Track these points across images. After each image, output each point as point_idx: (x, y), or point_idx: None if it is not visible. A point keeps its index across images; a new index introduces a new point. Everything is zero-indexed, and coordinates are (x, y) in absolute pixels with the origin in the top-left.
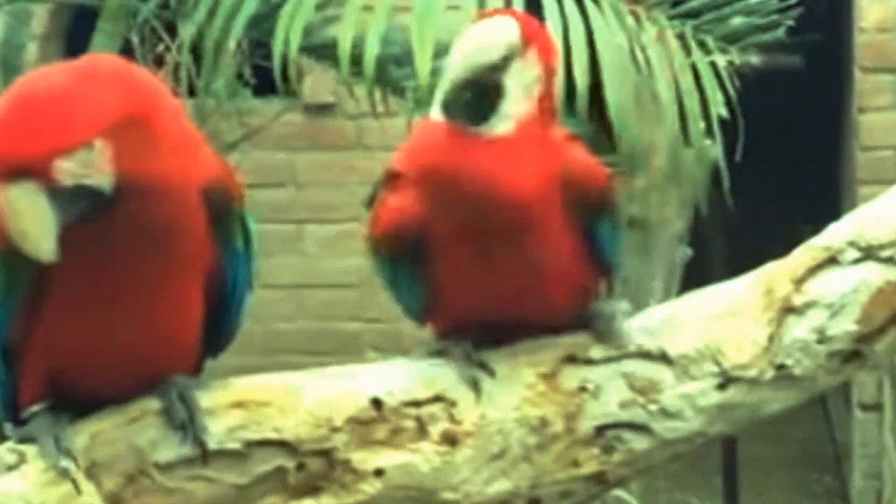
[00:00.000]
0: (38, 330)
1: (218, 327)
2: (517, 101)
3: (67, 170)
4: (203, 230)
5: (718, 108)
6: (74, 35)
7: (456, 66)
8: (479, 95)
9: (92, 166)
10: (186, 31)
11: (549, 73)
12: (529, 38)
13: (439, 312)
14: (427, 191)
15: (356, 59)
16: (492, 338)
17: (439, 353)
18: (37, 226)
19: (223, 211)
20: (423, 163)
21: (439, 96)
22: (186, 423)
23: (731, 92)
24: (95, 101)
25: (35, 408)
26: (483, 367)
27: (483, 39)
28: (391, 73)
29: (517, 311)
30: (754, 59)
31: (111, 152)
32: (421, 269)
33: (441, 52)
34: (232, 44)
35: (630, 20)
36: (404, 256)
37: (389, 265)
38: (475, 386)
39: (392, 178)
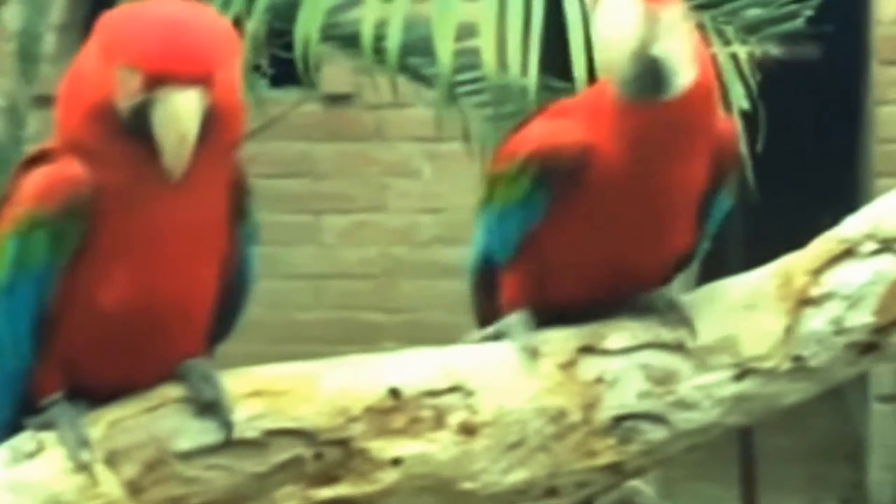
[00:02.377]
0: (73, 303)
1: (227, 312)
2: (683, 57)
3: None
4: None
5: (739, 101)
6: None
7: (616, 46)
8: (650, 68)
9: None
10: None
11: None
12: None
13: (535, 254)
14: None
15: (378, 47)
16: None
17: (495, 337)
18: (187, 136)
19: (245, 188)
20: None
21: (613, 80)
22: (214, 404)
23: (752, 84)
24: (231, 30)
25: (53, 396)
26: (535, 353)
27: (618, 20)
28: (412, 61)
29: (619, 264)
30: (774, 50)
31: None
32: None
33: (462, 36)
34: (252, 32)
35: None
36: (548, 179)
37: (530, 184)
38: (534, 353)
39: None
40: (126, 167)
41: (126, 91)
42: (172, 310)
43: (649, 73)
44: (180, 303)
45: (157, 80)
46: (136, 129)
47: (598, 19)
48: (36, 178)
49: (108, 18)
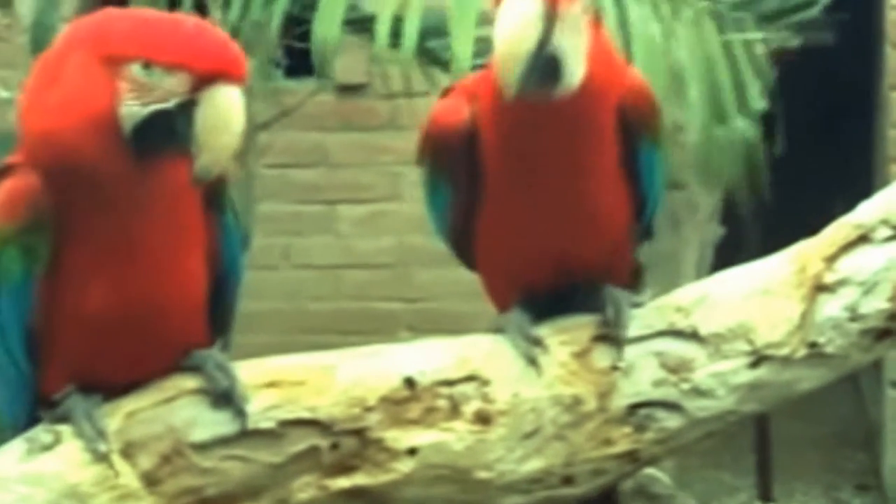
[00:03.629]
0: (61, 309)
1: (220, 302)
2: (577, 54)
3: None
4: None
5: (753, 89)
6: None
7: (506, 51)
8: (541, 68)
9: None
10: (217, 13)
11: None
12: None
13: (483, 244)
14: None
15: (395, 31)
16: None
17: (497, 331)
18: (236, 133)
19: (218, 183)
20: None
21: (503, 77)
22: (229, 393)
23: (769, 73)
24: None
25: (66, 389)
26: (537, 342)
27: (518, 17)
28: (430, 43)
29: (554, 244)
30: (791, 39)
31: None
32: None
33: (482, 22)
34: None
35: (666, 7)
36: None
37: (433, 172)
38: (533, 362)
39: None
40: (111, 175)
41: (151, 93)
42: (161, 308)
43: (542, 73)
44: (168, 299)
45: (210, 79)
46: (142, 137)
47: (498, 15)
48: (0, 195)
49: (92, 25)
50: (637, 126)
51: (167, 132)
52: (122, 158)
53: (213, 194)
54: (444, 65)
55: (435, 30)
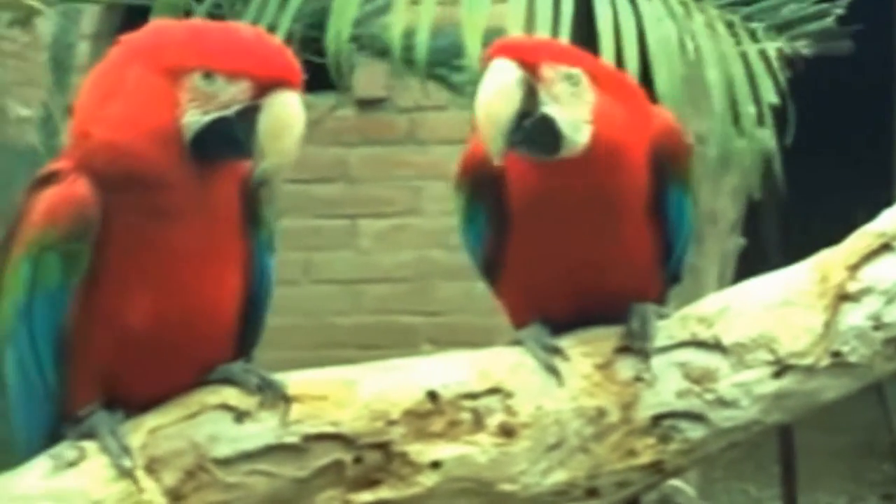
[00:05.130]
0: (93, 322)
1: (250, 318)
2: (574, 114)
3: None
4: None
5: (769, 96)
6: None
7: (484, 121)
8: (530, 133)
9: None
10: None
11: (589, 68)
12: (536, 59)
13: (509, 274)
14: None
15: (408, 52)
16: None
17: (515, 343)
18: (298, 137)
19: (260, 197)
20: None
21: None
22: (262, 384)
23: (782, 80)
24: None
25: (91, 406)
26: (557, 351)
27: (495, 86)
28: (442, 67)
29: (580, 280)
30: (805, 49)
31: None
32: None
33: (491, 39)
34: (283, 38)
35: (679, 10)
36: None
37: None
38: (554, 371)
39: None
40: (168, 182)
41: (213, 102)
42: (198, 322)
43: (534, 137)
44: (205, 314)
45: (271, 86)
46: (202, 144)
47: (481, 85)
48: (45, 200)
49: (149, 37)
50: (667, 168)
51: (227, 138)
52: (181, 166)
53: (253, 208)
54: (456, 89)
55: (446, 54)
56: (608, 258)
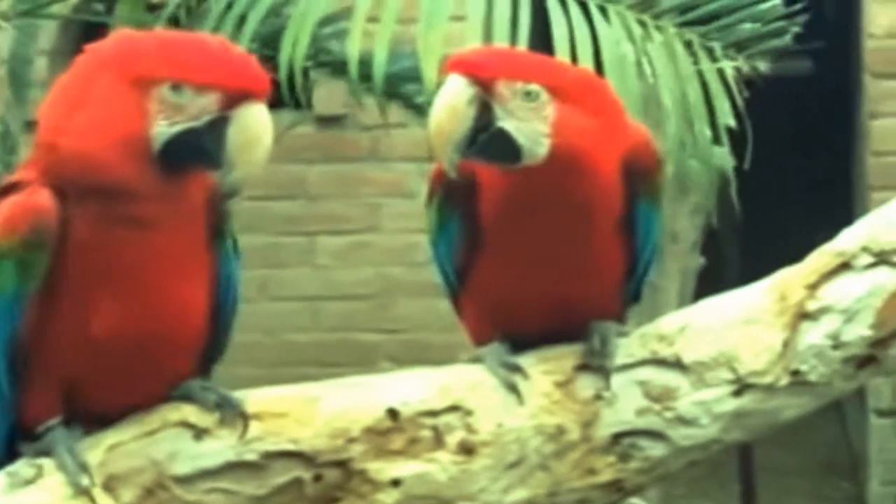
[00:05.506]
0: (51, 336)
1: (216, 330)
2: (532, 127)
3: None
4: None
5: (726, 117)
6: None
7: (435, 138)
8: (486, 146)
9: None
10: None
11: (550, 82)
12: (491, 75)
13: (475, 287)
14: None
15: (366, 72)
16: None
17: (475, 361)
18: (266, 148)
19: (220, 207)
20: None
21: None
22: (221, 402)
23: (740, 100)
24: None
25: (49, 422)
26: (517, 369)
27: (446, 104)
28: (401, 86)
29: (547, 295)
30: (763, 66)
31: None
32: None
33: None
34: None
35: (637, 28)
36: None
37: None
38: (514, 390)
39: None
40: (135, 193)
41: (182, 113)
42: (161, 334)
43: (490, 150)
44: (168, 326)
45: (240, 97)
46: (170, 154)
47: (435, 102)
48: (3, 209)
49: (118, 48)
50: (638, 183)
51: (195, 149)
52: (149, 176)
53: (217, 220)
54: (417, 108)
55: (405, 74)
56: (575, 271)
